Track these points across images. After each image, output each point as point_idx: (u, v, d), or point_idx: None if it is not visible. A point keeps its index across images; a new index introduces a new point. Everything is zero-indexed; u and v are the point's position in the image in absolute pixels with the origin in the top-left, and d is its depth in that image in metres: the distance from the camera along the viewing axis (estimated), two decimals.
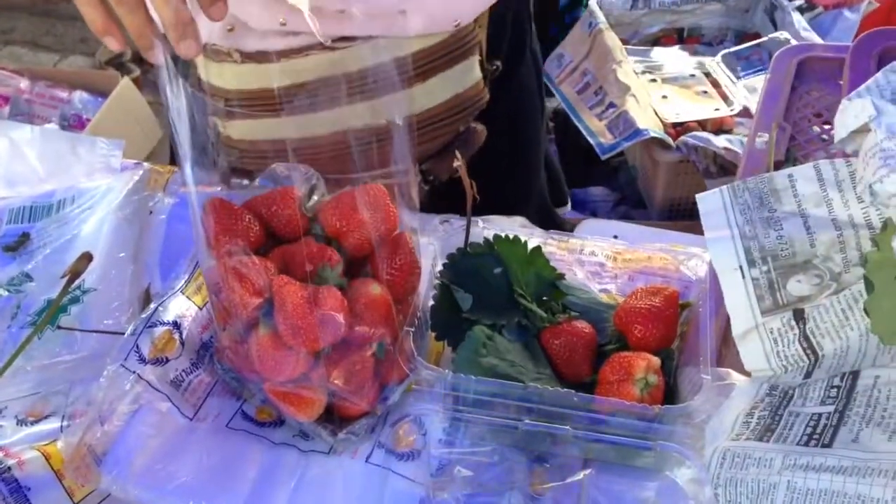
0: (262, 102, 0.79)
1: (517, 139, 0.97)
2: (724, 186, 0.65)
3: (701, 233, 0.65)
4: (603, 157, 1.47)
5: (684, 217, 1.56)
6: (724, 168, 1.46)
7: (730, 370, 0.69)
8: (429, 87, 0.82)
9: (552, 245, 0.76)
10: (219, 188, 0.72)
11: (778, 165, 0.87)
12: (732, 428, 0.62)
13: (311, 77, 0.74)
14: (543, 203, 1.05)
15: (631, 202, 1.67)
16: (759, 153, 0.87)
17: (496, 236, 0.73)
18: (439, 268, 0.73)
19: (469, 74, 0.84)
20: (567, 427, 0.65)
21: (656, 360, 0.67)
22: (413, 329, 0.67)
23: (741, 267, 0.63)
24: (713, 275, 0.67)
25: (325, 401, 0.67)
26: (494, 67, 0.88)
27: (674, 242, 0.80)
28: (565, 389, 0.64)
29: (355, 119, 0.70)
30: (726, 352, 0.76)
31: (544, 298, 0.74)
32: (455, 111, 0.85)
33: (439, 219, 0.80)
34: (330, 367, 0.65)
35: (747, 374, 0.64)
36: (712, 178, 1.43)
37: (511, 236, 0.73)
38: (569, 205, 1.18)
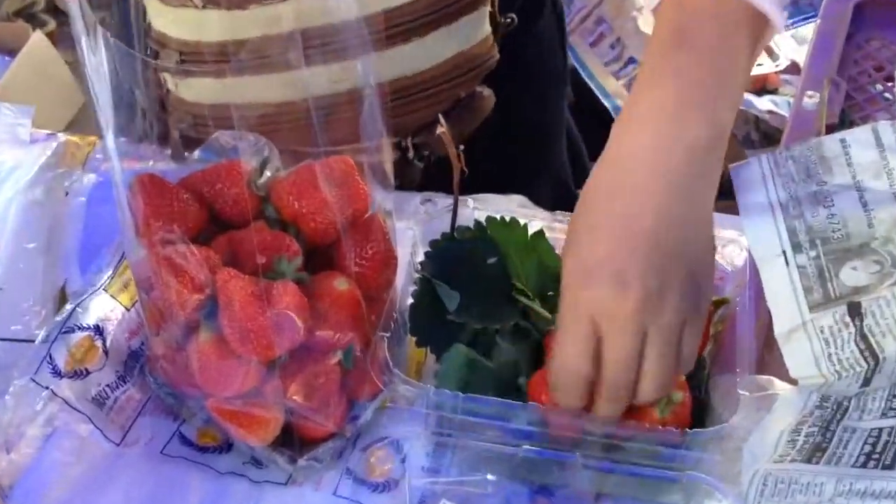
0: (220, 59, 0.78)
1: (533, 108, 0.98)
2: (764, 155, 0.65)
3: (739, 214, 0.65)
4: None
5: (719, 196, 1.56)
6: (768, 136, 1.47)
7: (773, 378, 0.69)
8: (426, 45, 0.82)
9: (558, 229, 0.76)
10: (150, 163, 0.72)
11: (830, 130, 0.87)
12: (775, 448, 0.62)
13: (285, 28, 0.74)
14: (564, 185, 1.05)
15: None
16: (807, 115, 0.87)
17: (490, 219, 0.73)
18: (420, 258, 0.72)
19: (477, 29, 0.84)
20: (576, 454, 0.65)
21: (679, 375, 0.66)
22: (388, 334, 0.67)
23: (784, 252, 0.63)
24: (753, 263, 0.67)
25: (282, 420, 0.67)
26: (508, 21, 0.88)
27: None
28: (574, 408, 0.64)
29: (318, 82, 0.70)
30: (769, 357, 0.76)
31: (549, 294, 0.73)
32: (457, 73, 0.85)
33: (420, 198, 0.81)
34: (287, 380, 0.65)
35: (793, 382, 0.64)
36: (754, 149, 1.44)
37: (508, 219, 0.73)
38: None
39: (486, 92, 0.88)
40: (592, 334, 0.59)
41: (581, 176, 1.09)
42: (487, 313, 0.71)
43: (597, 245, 0.59)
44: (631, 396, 0.61)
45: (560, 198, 0.87)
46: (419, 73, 0.83)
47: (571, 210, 0.64)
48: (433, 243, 0.73)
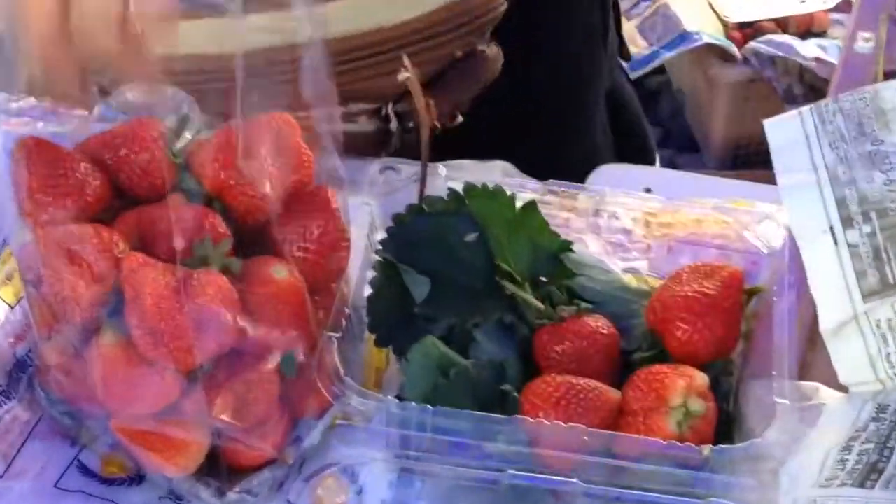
0: None
1: (555, 70, 0.98)
2: (807, 107, 0.65)
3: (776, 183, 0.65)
4: (633, 76, 1.47)
5: (755, 164, 1.57)
6: (814, 90, 1.47)
7: (818, 385, 0.69)
8: None
9: (553, 203, 0.76)
10: (39, 124, 0.73)
11: (889, 77, 0.87)
12: (821, 469, 0.62)
13: None
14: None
15: (676, 142, 1.69)
16: (860, 60, 0.87)
17: (469, 187, 0.73)
18: (380, 237, 0.72)
19: None
20: (575, 479, 0.65)
21: (702, 379, 0.67)
22: (339, 333, 0.67)
23: (832, 229, 0.63)
24: (793, 243, 0.67)
25: (207, 444, 0.67)
26: None
27: (736, 197, 0.81)
28: (571, 423, 0.64)
29: (255, 34, 0.71)
30: (814, 358, 0.76)
31: (541, 280, 0.73)
32: (450, 26, 0.84)
33: (379, 165, 0.81)
34: (212, 393, 0.64)
35: (844, 389, 0.64)
36: (797, 105, 1.44)
37: (491, 187, 0.73)
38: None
39: (492, 50, 0.88)
40: None
41: (640, 158, 1.09)
42: (465, 304, 0.71)
43: None
44: None
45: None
46: (399, 24, 0.82)
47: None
48: (397, 218, 0.72)
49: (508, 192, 0.73)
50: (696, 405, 0.66)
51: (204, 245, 0.65)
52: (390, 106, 0.86)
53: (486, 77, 0.88)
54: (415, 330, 0.70)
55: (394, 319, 0.71)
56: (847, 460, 0.62)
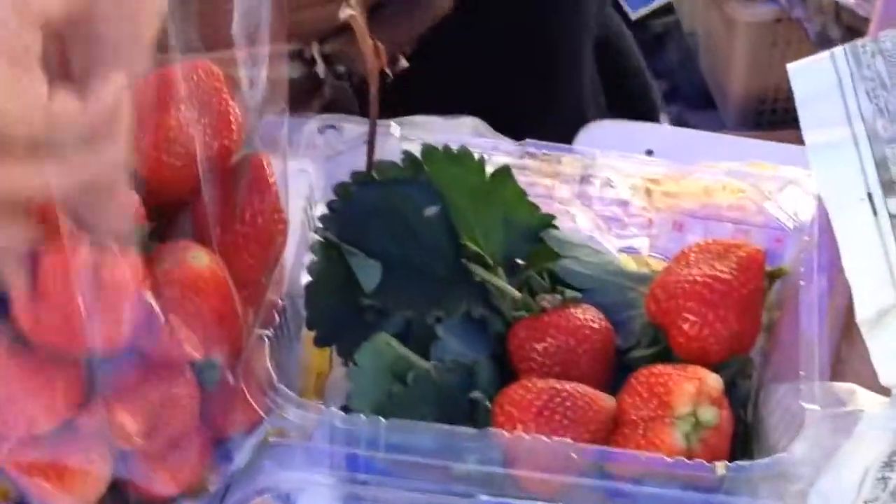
0: None
1: (524, 6, 0.98)
2: (839, 48, 0.65)
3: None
4: (634, 17, 1.48)
5: (783, 124, 1.58)
6: (853, 31, 1.48)
7: (855, 387, 0.69)
8: None
9: (532, 167, 0.77)
10: None
11: None
12: (859, 489, 0.63)
13: None
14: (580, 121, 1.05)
15: (686, 97, 1.70)
16: None
17: (429, 150, 0.73)
18: (319, 213, 0.73)
19: None
20: None
21: (715, 382, 0.67)
22: (271, 331, 0.67)
23: (870, 196, 0.63)
24: (825, 215, 0.67)
25: (109, 471, 0.67)
26: None
27: (755, 161, 0.82)
28: (556, 439, 0.65)
29: None
30: (850, 354, 0.76)
31: (518, 264, 0.74)
32: None
33: (317, 123, 0.81)
34: (115, 408, 0.64)
35: (885, 391, 0.64)
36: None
37: (455, 149, 0.73)
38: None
39: None
40: None
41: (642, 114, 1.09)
42: (424, 294, 0.71)
43: None
44: None
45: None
46: None
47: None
48: (340, 189, 0.73)
49: (476, 156, 0.73)
50: (708, 414, 0.66)
51: None
52: (315, 47, 0.86)
53: (435, 12, 0.88)
54: (363, 326, 0.70)
55: (337, 313, 0.71)
56: (890, 478, 0.62)
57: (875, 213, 0.63)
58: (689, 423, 0.66)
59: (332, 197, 0.72)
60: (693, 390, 0.66)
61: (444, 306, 0.71)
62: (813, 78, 0.66)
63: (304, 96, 0.85)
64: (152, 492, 0.68)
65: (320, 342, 0.72)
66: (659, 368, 0.68)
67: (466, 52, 0.89)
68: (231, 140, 0.69)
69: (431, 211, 0.73)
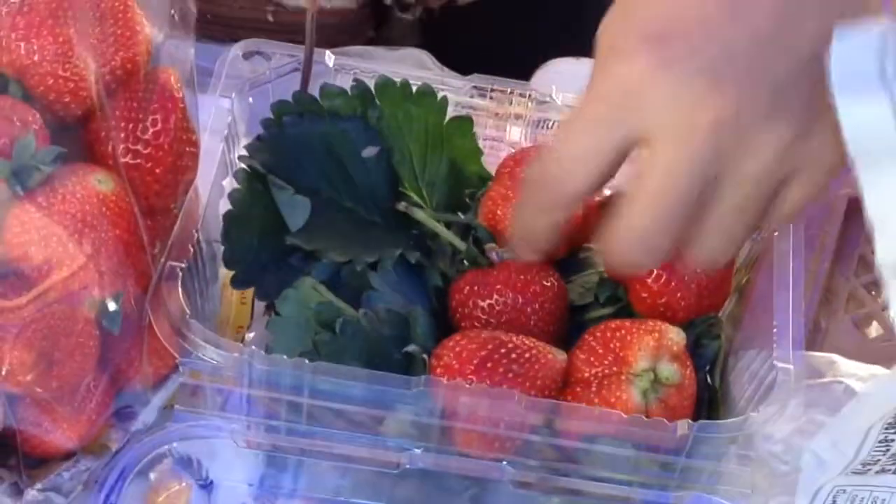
0: None
1: None
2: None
3: None
4: None
5: None
6: None
7: (835, 357, 0.72)
8: None
9: (481, 107, 0.79)
10: None
11: None
12: (858, 451, 0.65)
13: None
14: None
15: None
16: None
17: (384, 82, 0.75)
18: (241, 146, 0.74)
19: None
20: (504, 463, 0.67)
21: (676, 335, 0.69)
22: (184, 264, 0.68)
23: None
24: None
25: None
26: None
27: None
28: (500, 389, 0.66)
29: None
30: (829, 322, 0.78)
31: (461, 216, 0.76)
32: None
33: (241, 49, 0.80)
34: (4, 343, 0.65)
35: (870, 362, 0.69)
36: None
37: (418, 86, 0.75)
38: None
39: None
40: (629, 140, 0.61)
41: None
42: (355, 238, 0.72)
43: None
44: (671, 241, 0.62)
45: None
46: None
47: None
48: (276, 111, 0.74)
49: (440, 95, 0.75)
50: (668, 370, 0.67)
51: (26, 147, 0.66)
52: None
53: None
54: (287, 269, 0.71)
55: (259, 252, 0.72)
56: (893, 440, 0.64)
57: None
58: (647, 379, 0.67)
59: (256, 131, 0.73)
60: (652, 344, 0.68)
61: (378, 251, 0.72)
62: (849, 51, 0.61)
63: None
64: (46, 448, 0.68)
65: (238, 283, 0.72)
66: (616, 323, 0.70)
67: None
68: (135, 53, 0.70)
69: (371, 151, 0.74)
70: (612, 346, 0.69)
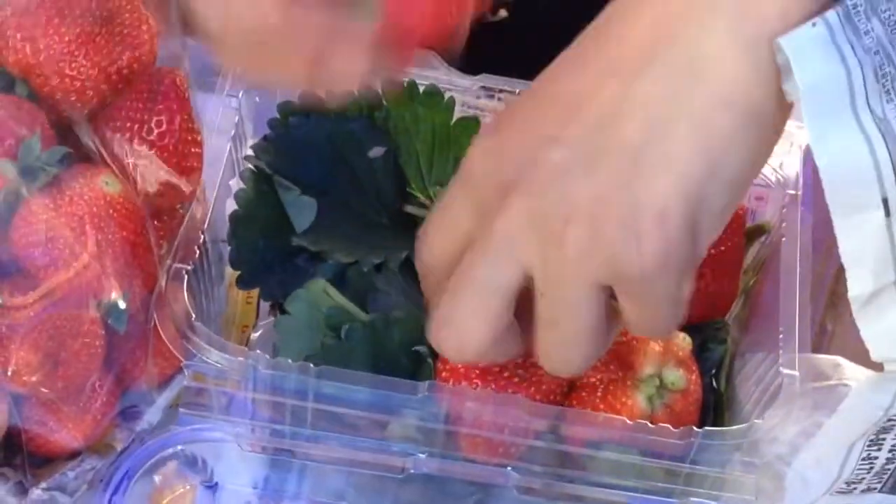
0: None
1: None
2: (831, 12, 0.60)
3: None
4: None
5: None
6: None
7: (840, 360, 0.72)
8: None
9: (489, 108, 0.78)
10: None
11: None
12: (841, 468, 0.65)
13: None
14: None
15: None
16: None
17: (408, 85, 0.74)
18: (249, 145, 0.74)
19: None
20: (509, 468, 0.67)
21: (683, 342, 0.69)
22: (190, 266, 0.68)
23: (885, 201, 0.60)
24: (814, 170, 0.68)
25: (5, 421, 0.67)
26: None
27: None
28: (505, 394, 0.66)
29: None
30: (836, 323, 0.79)
31: None
32: None
33: None
34: (9, 347, 0.65)
35: (877, 367, 0.65)
36: None
37: (423, 87, 0.75)
38: None
39: None
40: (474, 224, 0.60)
41: None
42: (361, 239, 0.72)
43: (583, 77, 0.60)
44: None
45: None
46: None
47: None
48: (282, 111, 0.74)
49: (447, 95, 0.75)
50: (674, 376, 0.67)
51: (31, 148, 0.66)
52: None
53: None
54: (293, 270, 0.71)
55: (265, 253, 0.72)
56: (876, 458, 0.63)
57: (888, 214, 0.62)
58: (652, 385, 0.67)
59: (263, 130, 0.73)
60: (658, 350, 0.68)
61: (383, 253, 0.72)
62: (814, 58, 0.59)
63: None
64: (51, 447, 0.69)
65: (244, 284, 0.72)
66: (622, 328, 0.68)
67: None
68: (142, 53, 0.70)
69: (377, 152, 0.74)
70: (617, 351, 0.68)
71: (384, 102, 0.75)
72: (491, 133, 0.61)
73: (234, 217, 0.72)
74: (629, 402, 0.67)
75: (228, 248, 0.72)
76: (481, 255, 0.59)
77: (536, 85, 0.62)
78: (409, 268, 0.71)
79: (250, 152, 0.73)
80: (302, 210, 0.72)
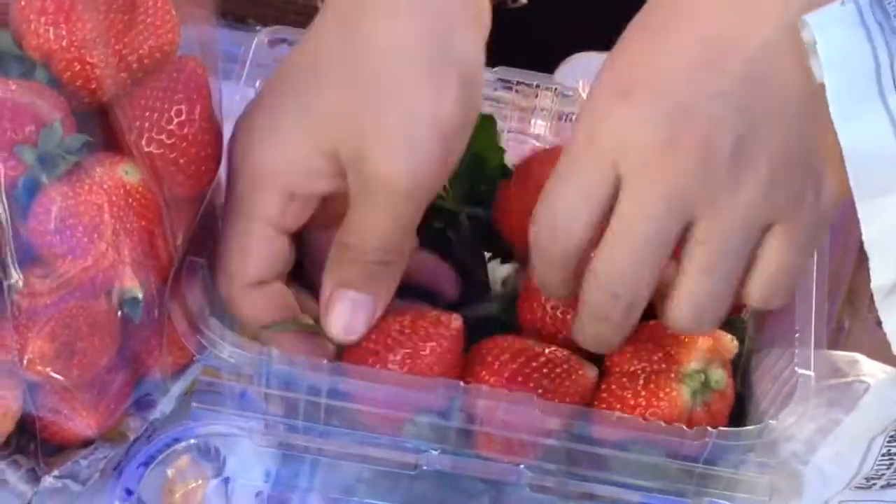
0: None
1: None
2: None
3: None
4: None
5: None
6: None
7: (858, 357, 0.72)
8: None
9: (505, 100, 0.78)
10: None
11: None
12: (861, 464, 0.65)
13: None
14: None
15: None
16: None
17: None
18: None
19: None
20: (521, 467, 0.67)
21: (730, 342, 0.69)
22: (205, 259, 0.68)
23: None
24: None
25: (18, 408, 0.67)
26: None
27: None
28: (519, 393, 0.66)
29: None
30: (853, 320, 0.78)
31: (481, 214, 0.76)
32: None
33: (267, 36, 0.80)
34: (26, 329, 0.65)
35: (893, 361, 0.67)
36: None
37: None
38: None
39: None
40: (611, 188, 0.62)
41: None
42: None
43: (671, 43, 0.62)
44: (639, 309, 0.64)
45: None
46: None
47: None
48: None
49: None
50: (718, 375, 0.68)
51: (51, 136, 0.65)
52: None
53: None
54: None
55: None
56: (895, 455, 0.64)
57: None
58: (697, 381, 0.67)
59: None
60: (707, 347, 0.68)
61: None
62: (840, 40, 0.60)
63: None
64: (64, 435, 0.69)
65: None
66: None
67: None
68: (164, 42, 0.70)
69: None
70: (663, 343, 0.69)
71: None
72: (622, 100, 0.62)
73: None
74: (672, 394, 0.67)
75: None
76: (643, 211, 0.61)
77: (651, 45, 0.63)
78: None
79: None
80: None
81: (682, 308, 0.63)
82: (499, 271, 0.78)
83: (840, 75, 0.58)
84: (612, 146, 0.61)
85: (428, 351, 0.66)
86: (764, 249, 0.62)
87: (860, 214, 0.61)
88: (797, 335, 0.69)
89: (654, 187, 0.61)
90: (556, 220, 0.63)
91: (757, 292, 0.64)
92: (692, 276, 0.62)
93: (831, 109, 0.59)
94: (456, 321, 0.67)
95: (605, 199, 0.62)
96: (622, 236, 0.62)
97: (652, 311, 0.70)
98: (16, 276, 0.64)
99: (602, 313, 0.64)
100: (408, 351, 0.66)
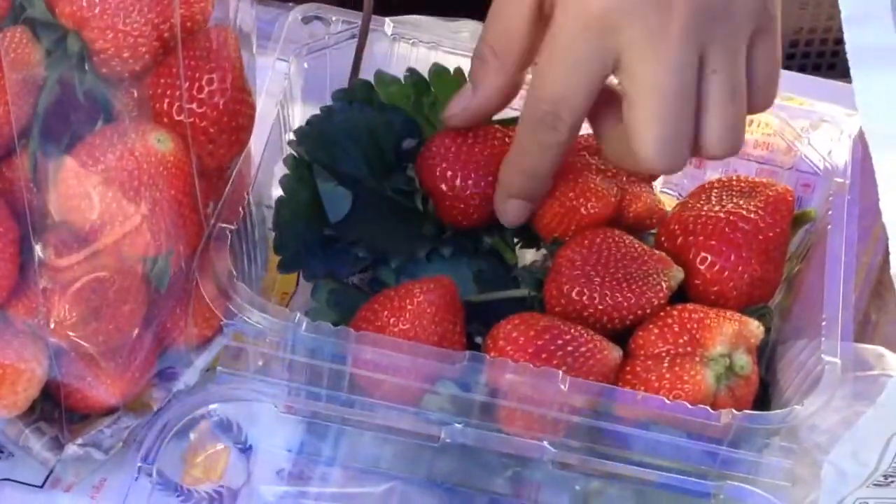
0: None
1: None
2: None
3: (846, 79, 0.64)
4: None
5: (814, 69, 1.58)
6: None
7: (883, 350, 0.72)
8: None
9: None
10: None
11: None
12: (879, 462, 0.64)
13: None
14: None
15: None
16: None
17: (436, 70, 0.75)
18: (295, 119, 0.74)
19: None
20: (545, 443, 0.67)
21: (756, 328, 0.69)
22: (234, 226, 0.68)
23: None
24: (863, 158, 0.69)
25: (44, 374, 0.67)
26: None
27: (786, 94, 0.81)
28: (544, 368, 0.66)
29: None
30: (879, 313, 0.77)
31: None
32: None
33: (301, 12, 0.80)
34: (52, 299, 0.65)
35: None
36: None
37: (458, 71, 0.74)
38: None
39: None
40: (605, 56, 0.65)
41: None
42: (395, 228, 0.73)
43: None
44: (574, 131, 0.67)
45: None
46: None
47: None
48: (337, 96, 0.74)
49: None
50: (743, 360, 0.67)
51: None
52: None
53: None
54: (333, 253, 0.72)
55: (305, 238, 0.72)
56: None
57: None
58: (722, 365, 0.67)
59: (311, 96, 0.74)
60: (732, 331, 0.68)
61: (414, 247, 0.73)
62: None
63: None
64: (88, 403, 0.69)
65: (285, 268, 0.72)
66: (695, 306, 0.69)
67: None
68: (195, 11, 0.70)
69: (411, 143, 0.74)
70: (689, 326, 0.68)
71: (432, 89, 0.75)
72: None
73: (279, 203, 0.72)
74: (697, 377, 0.67)
75: (273, 232, 0.72)
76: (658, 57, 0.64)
77: None
78: (436, 259, 0.74)
79: (292, 137, 0.74)
80: (337, 201, 0.72)
81: (719, 139, 0.66)
82: (528, 255, 0.78)
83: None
84: (605, 18, 0.63)
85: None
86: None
87: (880, 192, 0.61)
88: (823, 325, 0.68)
89: (665, 47, 0.63)
90: (555, 89, 0.66)
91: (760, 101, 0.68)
92: (719, 110, 0.65)
93: (850, 66, 0.60)
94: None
95: (602, 72, 0.65)
96: (554, 53, 0.65)
97: (680, 296, 0.72)
98: (44, 242, 0.65)
99: (536, 130, 0.67)
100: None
